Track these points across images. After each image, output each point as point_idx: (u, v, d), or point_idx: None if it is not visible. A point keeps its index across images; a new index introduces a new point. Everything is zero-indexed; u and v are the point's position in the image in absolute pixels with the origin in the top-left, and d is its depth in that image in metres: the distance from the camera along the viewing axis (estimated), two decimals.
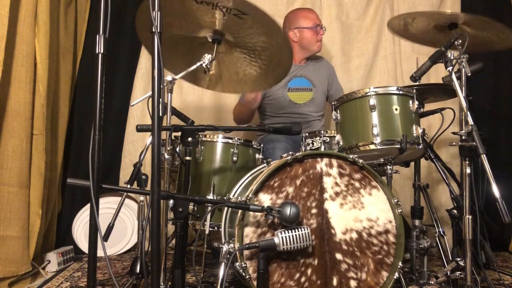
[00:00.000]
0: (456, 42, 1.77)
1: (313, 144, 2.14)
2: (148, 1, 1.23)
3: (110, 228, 1.86)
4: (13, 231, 2.08)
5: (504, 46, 2.01)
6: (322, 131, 2.12)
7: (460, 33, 1.79)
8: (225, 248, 1.59)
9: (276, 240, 1.52)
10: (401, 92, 1.92)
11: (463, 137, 1.64)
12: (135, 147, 3.15)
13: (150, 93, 1.24)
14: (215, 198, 2.08)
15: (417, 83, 1.90)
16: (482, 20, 1.90)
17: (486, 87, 3.23)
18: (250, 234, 1.62)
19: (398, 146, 1.83)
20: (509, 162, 3.06)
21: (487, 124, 3.17)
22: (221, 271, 1.55)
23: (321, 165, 1.72)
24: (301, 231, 1.53)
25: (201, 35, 1.93)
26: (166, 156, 1.78)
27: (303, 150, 2.13)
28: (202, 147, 2.17)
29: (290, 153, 1.70)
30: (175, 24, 1.86)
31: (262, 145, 2.29)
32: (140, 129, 1.74)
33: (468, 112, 1.64)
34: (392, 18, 2.05)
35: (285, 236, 1.51)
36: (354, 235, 1.69)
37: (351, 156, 1.73)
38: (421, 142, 1.90)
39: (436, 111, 2.23)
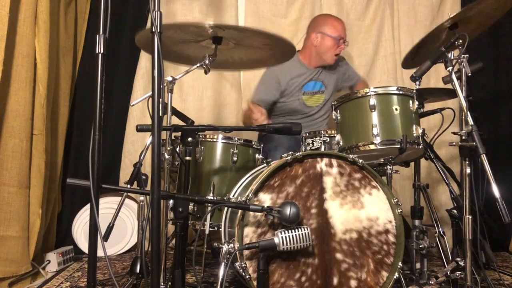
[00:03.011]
0: (456, 42, 1.77)
1: (313, 144, 2.14)
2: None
3: (110, 228, 1.86)
4: (13, 231, 2.08)
5: (506, 8, 1.95)
6: (322, 131, 2.12)
7: (460, 33, 1.78)
8: (225, 248, 1.59)
9: (276, 240, 1.52)
10: (401, 92, 1.92)
11: (463, 137, 1.64)
12: (135, 147, 3.14)
13: (150, 93, 1.24)
14: (215, 198, 2.08)
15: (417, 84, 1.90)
16: (472, 6, 1.87)
17: (486, 87, 3.23)
18: (250, 234, 1.62)
19: (398, 146, 1.83)
20: (509, 162, 3.06)
21: (487, 124, 3.17)
22: (221, 271, 1.55)
23: (321, 165, 1.72)
24: (301, 231, 1.53)
25: (201, 41, 1.96)
26: (166, 156, 1.78)
27: (303, 150, 2.13)
28: (202, 147, 2.17)
29: (290, 153, 1.70)
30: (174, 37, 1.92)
31: (262, 145, 2.29)
32: (140, 129, 1.74)
33: (468, 112, 1.63)
34: (404, 59, 2.11)
35: (285, 236, 1.51)
36: (354, 235, 1.69)
37: (351, 156, 1.73)
38: (421, 142, 1.90)
39: (436, 111, 2.23)
